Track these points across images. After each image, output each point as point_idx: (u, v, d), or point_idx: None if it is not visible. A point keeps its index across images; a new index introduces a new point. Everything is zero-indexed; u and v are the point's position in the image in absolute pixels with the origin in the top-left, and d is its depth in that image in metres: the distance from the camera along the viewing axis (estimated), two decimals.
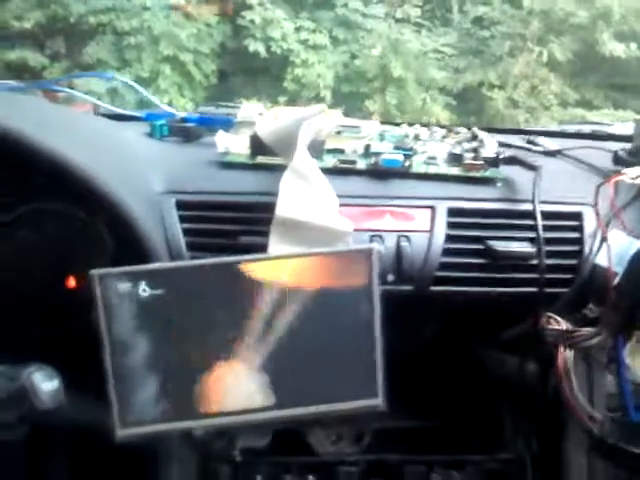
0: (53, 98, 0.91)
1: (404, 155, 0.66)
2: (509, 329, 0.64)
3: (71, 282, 0.65)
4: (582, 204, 0.66)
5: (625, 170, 0.60)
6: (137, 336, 0.52)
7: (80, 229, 0.64)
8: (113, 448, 0.58)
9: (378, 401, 0.54)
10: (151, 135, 0.75)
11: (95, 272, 0.52)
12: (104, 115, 0.83)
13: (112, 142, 0.68)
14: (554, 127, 1.34)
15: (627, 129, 0.94)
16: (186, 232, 0.60)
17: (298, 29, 4.74)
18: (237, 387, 0.52)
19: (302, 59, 4.62)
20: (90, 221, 0.63)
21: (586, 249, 0.62)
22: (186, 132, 0.75)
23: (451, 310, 0.65)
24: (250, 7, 4.53)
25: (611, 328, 0.50)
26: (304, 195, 0.58)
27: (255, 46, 4.61)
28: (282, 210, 0.57)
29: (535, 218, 0.60)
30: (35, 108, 0.66)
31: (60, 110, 0.74)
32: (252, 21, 4.54)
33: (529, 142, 0.82)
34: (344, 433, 0.70)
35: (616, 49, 4.94)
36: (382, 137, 0.74)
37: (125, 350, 0.52)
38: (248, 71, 4.68)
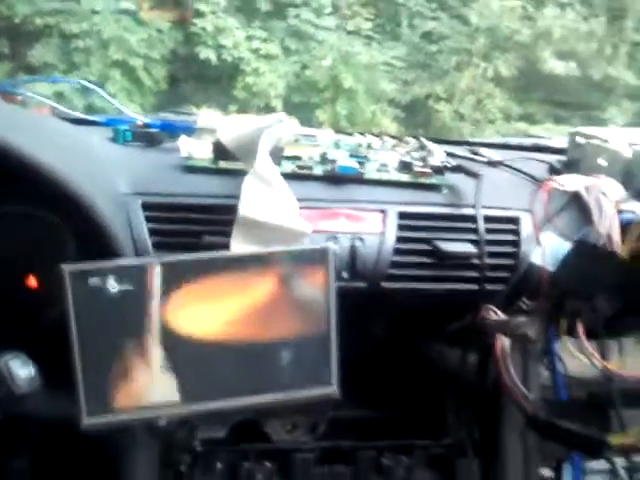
0: (10, 101, 0.92)
1: (358, 162, 0.71)
2: (453, 323, 0.69)
3: (32, 282, 0.67)
4: (520, 210, 0.72)
5: (557, 178, 0.66)
6: (104, 329, 0.55)
7: (43, 231, 0.65)
8: (78, 440, 0.60)
9: (333, 389, 0.59)
10: (114, 140, 0.77)
11: (66, 267, 0.54)
12: (63, 119, 0.85)
13: (78, 145, 0.70)
14: (497, 139, 1.41)
15: (564, 142, 1.02)
16: (152, 232, 0.63)
17: (250, 38, 4.77)
18: (197, 377, 0.56)
19: (253, 68, 4.64)
20: (54, 223, 0.65)
21: (522, 250, 0.69)
22: (149, 137, 0.78)
23: (400, 306, 0.70)
24: (202, 15, 4.54)
25: (543, 316, 0.56)
26: (265, 197, 0.62)
27: (206, 53, 4.61)
28: (244, 210, 0.60)
29: (477, 221, 0.66)
30: (2, 110, 0.68)
31: (25, 112, 0.76)
32: (204, 29, 4.54)
33: (473, 153, 0.88)
34: (299, 422, 0.73)
35: (556, 67, 5.16)
36: (337, 145, 0.78)
37: (92, 343, 0.55)
38: (199, 78, 4.67)
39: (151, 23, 4.46)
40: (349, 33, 5.07)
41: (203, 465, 0.67)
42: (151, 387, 0.55)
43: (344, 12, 5.09)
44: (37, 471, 0.66)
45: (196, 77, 4.71)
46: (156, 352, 0.55)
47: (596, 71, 5.34)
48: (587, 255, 0.52)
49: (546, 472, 0.76)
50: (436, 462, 0.74)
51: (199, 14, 4.56)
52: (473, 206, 0.69)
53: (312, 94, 4.76)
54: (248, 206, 0.61)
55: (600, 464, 0.72)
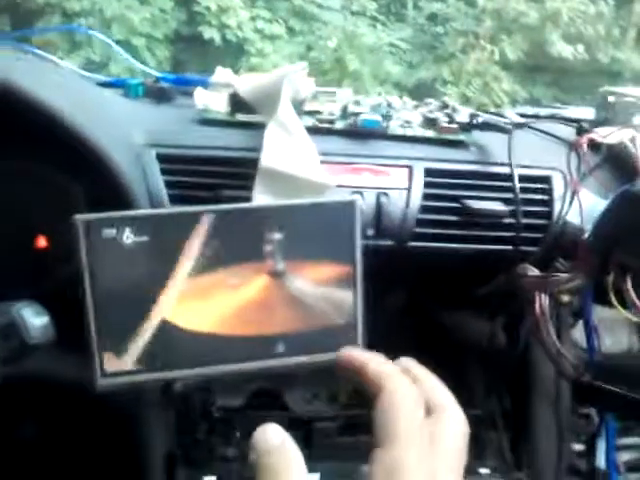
0: None
1: (382, 116, 0.68)
2: (481, 286, 0.66)
3: (41, 242, 0.64)
4: (551, 169, 0.69)
5: (596, 129, 0.63)
6: (119, 284, 0.52)
7: (50, 188, 0.62)
8: (91, 404, 0.57)
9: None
10: (126, 95, 0.74)
11: (79, 217, 0.51)
12: None
13: (89, 94, 0.67)
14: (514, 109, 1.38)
15: (581, 113, 0.98)
16: (168, 184, 0.59)
17: (254, 18, 4.71)
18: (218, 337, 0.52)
19: (257, 48, 4.59)
20: (62, 179, 0.62)
21: (555, 210, 0.65)
22: (161, 92, 0.74)
23: (426, 268, 0.67)
24: None
25: (587, 271, 0.52)
26: (288, 148, 0.58)
27: (210, 33, 4.57)
28: (267, 161, 0.57)
29: (512, 179, 0.63)
30: (21, 59, 0.65)
31: (37, 61, 0.72)
32: (208, 8, 4.49)
33: (497, 114, 0.84)
34: (319, 392, 0.71)
35: (564, 50, 5.11)
36: (358, 103, 0.75)
37: (107, 298, 0.52)
38: (202, 59, 4.62)
39: (154, 2, 4.40)
40: (354, 14, 5.01)
41: (220, 432, 0.65)
42: (171, 348, 0.52)
43: None
44: (47, 437, 0.63)
45: (200, 58, 4.66)
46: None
47: (603, 54, 5.29)
48: (633, 205, 0.49)
49: (577, 446, 0.73)
50: None
51: None
52: (503, 164, 0.66)
53: (317, 76, 4.70)
54: (270, 156, 0.57)
55: (632, 439, 0.70)
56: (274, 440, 0.36)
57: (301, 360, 0.53)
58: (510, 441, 0.70)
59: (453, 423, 0.35)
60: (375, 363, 0.37)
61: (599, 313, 0.64)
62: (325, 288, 0.51)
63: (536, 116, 0.91)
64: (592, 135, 0.63)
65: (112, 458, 0.63)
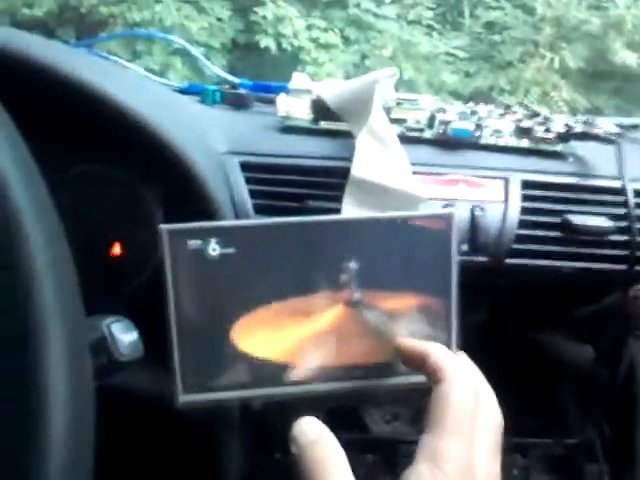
0: None
1: (474, 125, 0.64)
2: (585, 307, 0.61)
3: (116, 249, 0.62)
4: None
5: None
6: (204, 297, 0.49)
7: (128, 194, 0.61)
8: (169, 419, 0.55)
9: None
10: (202, 102, 0.72)
11: (164, 227, 0.49)
12: None
13: (169, 100, 0.65)
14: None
15: None
16: (253, 194, 0.57)
17: (309, 27, 4.73)
18: (308, 354, 0.49)
19: (313, 57, 4.60)
20: (139, 185, 0.60)
21: None
22: (239, 99, 0.72)
23: (524, 286, 0.62)
24: (263, 3, 4.52)
25: None
26: (380, 157, 0.55)
27: (266, 42, 4.60)
28: (358, 171, 0.54)
29: (623, 193, 0.58)
30: (104, 64, 0.64)
31: (114, 65, 0.71)
32: (264, 17, 4.52)
33: (586, 123, 0.79)
34: (400, 412, 0.67)
35: (628, 58, 4.94)
36: (444, 110, 0.71)
37: (191, 311, 0.49)
38: (258, 68, 4.66)
39: (212, 11, 4.47)
40: (410, 23, 4.97)
41: None
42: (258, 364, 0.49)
43: (405, 1, 5.00)
44: (124, 452, 0.61)
45: (255, 67, 4.70)
46: None
47: None
48: None
49: None
50: (558, 464, 0.66)
51: (259, 2, 4.54)
52: (610, 177, 0.61)
53: None
54: (362, 166, 0.54)
55: None
56: (313, 433, 0.37)
57: (381, 383, 0.49)
58: (611, 474, 0.65)
59: (492, 415, 0.38)
60: (437, 353, 0.38)
61: None
62: (413, 322, 0.47)
63: (636, 126, 0.85)
64: None
65: (189, 476, 0.61)
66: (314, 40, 4.74)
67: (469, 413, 0.35)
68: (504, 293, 0.65)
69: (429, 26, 4.98)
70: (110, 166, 0.60)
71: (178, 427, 0.58)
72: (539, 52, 5.12)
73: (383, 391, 0.49)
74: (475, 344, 0.54)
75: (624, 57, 4.96)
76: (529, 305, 0.67)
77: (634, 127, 0.87)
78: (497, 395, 0.57)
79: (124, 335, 0.40)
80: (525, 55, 5.20)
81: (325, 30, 4.75)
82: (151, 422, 0.59)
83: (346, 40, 4.85)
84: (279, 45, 4.60)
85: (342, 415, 0.65)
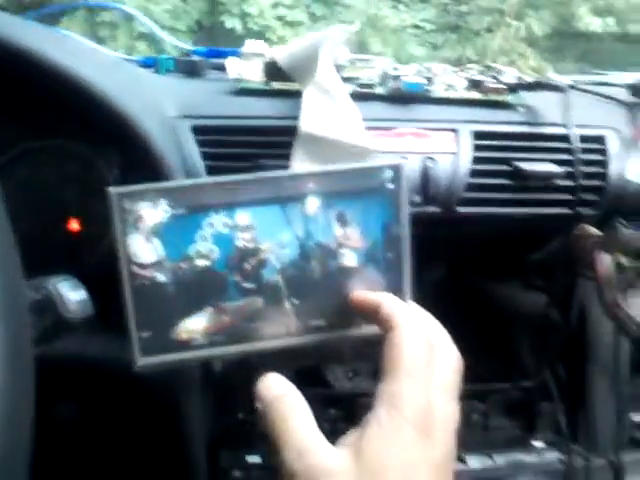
0: None
1: (426, 78, 0.65)
2: (535, 252, 0.63)
3: (73, 225, 0.62)
4: (605, 127, 0.65)
5: None
6: (156, 258, 0.49)
7: (81, 167, 0.61)
8: (130, 385, 0.55)
9: None
10: (156, 71, 0.72)
11: (113, 190, 0.49)
12: None
13: (123, 71, 0.64)
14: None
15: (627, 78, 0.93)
16: (205, 156, 0.57)
17: (275, 5, 4.67)
18: (262, 312, 0.49)
19: (279, 35, 4.55)
20: (92, 158, 0.60)
21: (612, 169, 0.62)
22: (192, 66, 0.72)
23: (476, 235, 0.64)
24: None
25: None
26: (328, 111, 0.55)
27: (232, 22, 4.54)
28: (306, 126, 0.54)
29: (568, 140, 0.59)
30: (56, 35, 0.63)
31: (73, 39, 0.71)
32: None
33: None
34: (361, 368, 0.68)
35: (593, 23, 4.97)
36: (397, 69, 0.71)
37: (142, 274, 0.49)
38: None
39: None
40: None
41: None
42: (215, 323, 0.49)
43: None
44: (87, 417, 0.61)
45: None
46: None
47: (635, 27, 5.13)
48: None
49: (637, 417, 0.69)
50: (515, 407, 0.68)
51: None
52: (557, 124, 0.62)
53: None
54: (310, 120, 0.54)
55: None
56: (278, 389, 0.37)
57: (340, 335, 0.49)
58: (566, 413, 0.67)
59: (448, 358, 0.38)
60: (388, 302, 0.39)
61: None
62: (369, 259, 0.47)
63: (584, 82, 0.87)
64: None
65: (153, 440, 0.61)
66: (280, 18, 4.68)
67: (422, 356, 0.36)
68: (458, 245, 0.66)
69: None
70: (63, 139, 0.60)
71: (140, 394, 0.58)
72: (505, 21, 5.12)
73: (341, 344, 0.50)
74: (431, 297, 0.56)
75: (589, 22, 4.99)
76: (482, 255, 0.69)
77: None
78: (455, 344, 0.58)
79: (71, 293, 0.40)
80: (492, 24, 5.20)
81: (291, 7, 4.70)
82: (112, 390, 0.59)
83: (312, 17, 4.80)
84: (245, 25, 4.54)
85: (305, 374, 0.66)
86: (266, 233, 0.44)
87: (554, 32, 5.13)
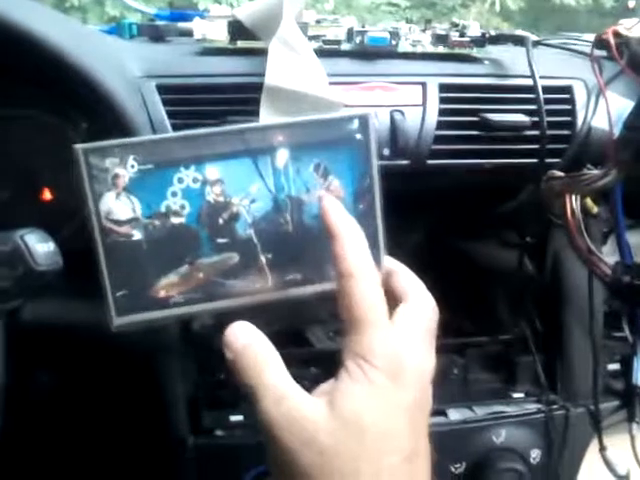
0: None
1: (390, 34, 0.64)
2: (507, 202, 0.64)
3: (46, 195, 0.62)
4: (571, 78, 0.65)
5: (622, 21, 0.59)
6: (130, 215, 0.49)
7: (49, 137, 0.60)
8: (110, 349, 0.55)
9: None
10: (120, 36, 0.71)
11: (79, 146, 0.48)
12: None
13: (86, 35, 0.63)
14: None
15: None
16: (170, 115, 0.57)
17: None
18: (237, 268, 0.49)
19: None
20: (59, 126, 0.60)
21: (579, 119, 0.62)
22: (156, 30, 0.71)
23: (446, 188, 0.64)
24: None
25: (619, 164, 0.49)
26: (294, 65, 0.55)
27: (205, 4, 4.47)
28: (272, 79, 0.54)
29: (534, 91, 0.60)
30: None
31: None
32: None
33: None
34: (341, 328, 0.68)
35: None
36: (363, 27, 0.71)
37: (115, 231, 0.49)
38: None
39: None
40: None
41: None
42: (190, 281, 0.49)
43: None
44: (65, 383, 0.61)
45: None
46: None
47: None
48: None
49: (612, 367, 0.71)
50: (494, 360, 0.69)
51: None
52: (522, 76, 0.63)
53: None
54: (275, 74, 0.54)
55: None
56: (246, 337, 0.37)
57: (316, 289, 0.49)
58: (544, 364, 0.68)
59: (418, 307, 0.38)
60: (351, 253, 0.37)
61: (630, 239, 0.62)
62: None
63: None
64: (617, 27, 0.59)
65: (134, 404, 0.61)
66: None
67: (380, 306, 0.35)
68: (429, 200, 0.67)
69: None
70: (33, 109, 0.59)
71: (118, 356, 0.58)
72: None
73: (317, 298, 0.49)
74: (407, 254, 0.56)
75: None
76: (454, 210, 0.69)
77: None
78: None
79: (39, 245, 0.40)
80: (467, 0, 5.19)
81: None
82: (90, 353, 0.59)
83: None
84: (219, 5, 4.49)
85: (285, 334, 0.66)
86: (236, 187, 0.43)
87: (528, 6, 5.14)
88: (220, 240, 0.44)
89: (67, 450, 0.62)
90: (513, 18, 5.18)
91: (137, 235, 0.43)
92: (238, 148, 0.44)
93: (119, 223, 0.46)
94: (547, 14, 5.30)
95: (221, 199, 0.43)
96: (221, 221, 0.43)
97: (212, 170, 0.44)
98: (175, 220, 0.43)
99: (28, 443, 0.60)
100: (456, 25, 0.73)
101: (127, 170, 0.48)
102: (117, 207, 0.46)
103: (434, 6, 5.26)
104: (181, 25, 0.72)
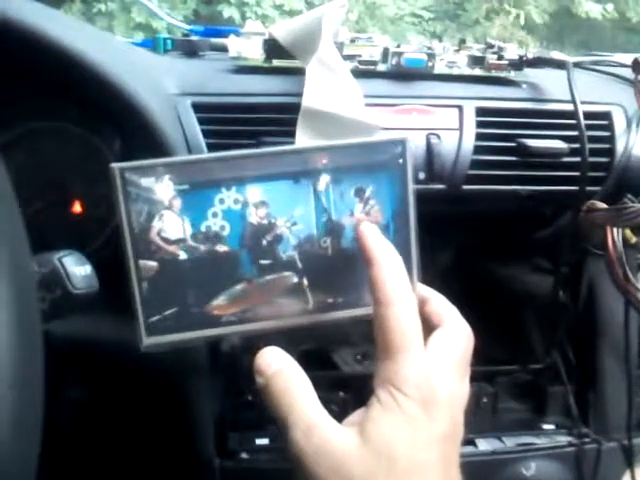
0: None
1: (427, 55, 0.63)
2: (542, 229, 0.62)
3: (76, 207, 0.62)
4: (611, 104, 0.64)
5: None
6: (177, 234, 0.48)
7: (83, 149, 0.60)
8: (139, 368, 0.54)
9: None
10: (154, 50, 0.71)
11: (115, 165, 0.48)
12: None
13: (123, 51, 0.63)
14: None
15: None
16: (206, 134, 0.56)
17: None
18: (278, 290, 0.47)
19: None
20: (92, 140, 0.59)
21: (618, 146, 0.61)
22: (191, 45, 0.71)
23: (481, 214, 0.63)
24: None
25: None
26: (331, 87, 0.55)
27: (230, 12, 4.52)
28: (309, 101, 0.53)
29: (574, 116, 0.58)
30: (61, 15, 0.62)
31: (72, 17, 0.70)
32: None
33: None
34: (370, 351, 0.68)
35: (592, 10, 4.95)
36: (398, 46, 0.70)
37: (148, 250, 0.48)
38: None
39: None
40: None
41: None
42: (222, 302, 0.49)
43: None
44: (97, 399, 0.61)
45: None
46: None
47: (634, 13, 5.11)
48: None
49: None
50: (524, 389, 0.67)
51: None
52: (562, 100, 0.61)
53: None
54: (313, 96, 0.53)
55: None
56: (278, 363, 0.36)
57: (354, 313, 0.48)
58: (576, 395, 0.66)
59: (454, 334, 0.37)
60: (388, 279, 0.36)
61: None
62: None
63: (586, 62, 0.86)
64: None
65: (162, 423, 0.61)
66: (278, 7, 4.67)
67: (415, 332, 0.35)
68: (464, 224, 0.66)
69: None
70: (65, 121, 0.59)
71: (147, 375, 0.57)
72: (504, 8, 5.10)
73: (353, 322, 0.49)
74: (439, 278, 0.55)
75: (589, 9, 4.97)
76: (488, 235, 0.68)
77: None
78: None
79: (77, 268, 0.40)
80: (491, 12, 5.18)
81: None
82: (120, 372, 0.59)
83: (310, 6, 4.78)
84: (243, 14, 4.52)
85: (312, 356, 0.66)
86: (280, 208, 0.43)
87: (553, 20, 5.12)
88: (263, 262, 0.44)
89: (93, 468, 0.61)
90: (537, 32, 5.17)
91: (182, 255, 0.43)
92: (281, 170, 0.44)
93: (168, 241, 0.45)
94: (572, 28, 5.27)
95: (265, 221, 0.43)
96: (264, 243, 0.43)
97: (254, 191, 0.43)
98: (216, 241, 0.43)
99: (54, 461, 0.60)
100: (492, 46, 0.72)
101: (165, 189, 0.47)
102: (168, 226, 0.46)
103: (457, 18, 5.26)
104: (214, 40, 0.72)
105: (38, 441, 0.28)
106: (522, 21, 5.01)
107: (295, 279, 0.44)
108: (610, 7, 4.91)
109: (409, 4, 5.05)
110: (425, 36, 5.01)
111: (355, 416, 0.36)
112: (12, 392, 0.25)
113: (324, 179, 0.44)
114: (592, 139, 0.60)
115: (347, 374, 0.66)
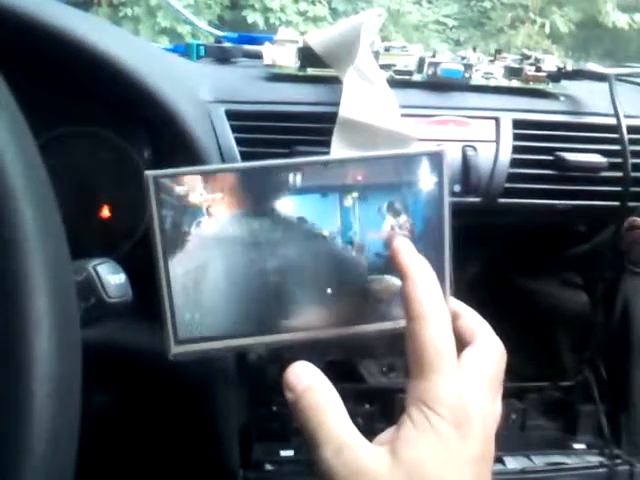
0: None
1: (464, 66, 0.63)
2: (579, 244, 0.61)
3: (105, 212, 0.62)
4: None
5: None
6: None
7: (114, 154, 0.60)
8: (166, 376, 0.54)
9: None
10: (187, 56, 0.71)
11: (149, 173, 0.48)
12: None
13: (157, 56, 0.63)
14: None
15: None
16: (239, 142, 0.56)
17: (297, 0, 4.67)
18: (301, 301, 0.47)
19: (301, 32, 4.54)
20: (123, 146, 0.59)
21: None
22: (224, 52, 0.71)
23: (517, 227, 0.62)
24: None
25: None
26: (368, 98, 0.54)
27: (254, 17, 4.54)
28: (346, 111, 0.53)
29: (616, 130, 0.57)
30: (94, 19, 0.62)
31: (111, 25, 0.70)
32: None
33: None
34: (396, 363, 0.67)
35: (619, 20, 4.90)
36: (434, 56, 0.69)
37: (179, 258, 0.48)
38: None
39: None
40: None
41: None
42: (251, 313, 0.48)
43: None
44: (123, 406, 0.61)
45: None
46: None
47: None
48: None
49: None
50: (554, 406, 0.66)
51: None
52: (602, 114, 0.60)
53: None
54: (350, 106, 0.53)
55: None
56: (308, 378, 0.36)
57: (380, 327, 0.48)
58: (607, 414, 0.65)
59: (487, 352, 0.36)
60: (423, 295, 0.36)
61: None
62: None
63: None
64: None
65: (187, 432, 0.60)
66: (302, 13, 4.68)
67: (448, 349, 0.34)
68: (498, 237, 0.64)
69: None
70: (97, 126, 0.59)
71: (175, 384, 0.57)
72: (529, 17, 5.07)
73: (380, 336, 0.48)
74: (470, 291, 0.54)
75: (616, 19, 4.92)
76: (522, 249, 0.67)
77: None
78: None
79: (111, 277, 0.39)
80: (516, 21, 5.15)
81: (313, 3, 4.69)
82: (148, 379, 0.58)
83: (334, 12, 4.79)
84: (267, 20, 4.54)
85: (338, 368, 0.65)
86: (310, 220, 0.43)
87: (579, 29, 5.07)
88: None
89: (116, 476, 0.61)
90: (562, 41, 5.12)
91: (213, 263, 0.43)
92: (316, 182, 0.43)
93: (199, 249, 0.45)
94: (597, 37, 5.22)
95: None
96: None
97: (286, 203, 0.43)
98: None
99: (77, 468, 0.59)
100: (528, 57, 0.71)
101: (197, 197, 0.47)
102: (199, 233, 0.45)
103: (482, 26, 5.23)
104: (247, 47, 0.72)
105: (74, 455, 0.28)
106: (547, 30, 4.97)
107: (322, 290, 0.44)
108: (638, 17, 4.85)
109: (433, 12, 5.04)
110: (448, 44, 5.00)
111: (386, 435, 0.35)
112: (51, 401, 0.25)
113: (356, 190, 0.44)
114: (635, 154, 0.59)
115: (373, 386, 0.65)
